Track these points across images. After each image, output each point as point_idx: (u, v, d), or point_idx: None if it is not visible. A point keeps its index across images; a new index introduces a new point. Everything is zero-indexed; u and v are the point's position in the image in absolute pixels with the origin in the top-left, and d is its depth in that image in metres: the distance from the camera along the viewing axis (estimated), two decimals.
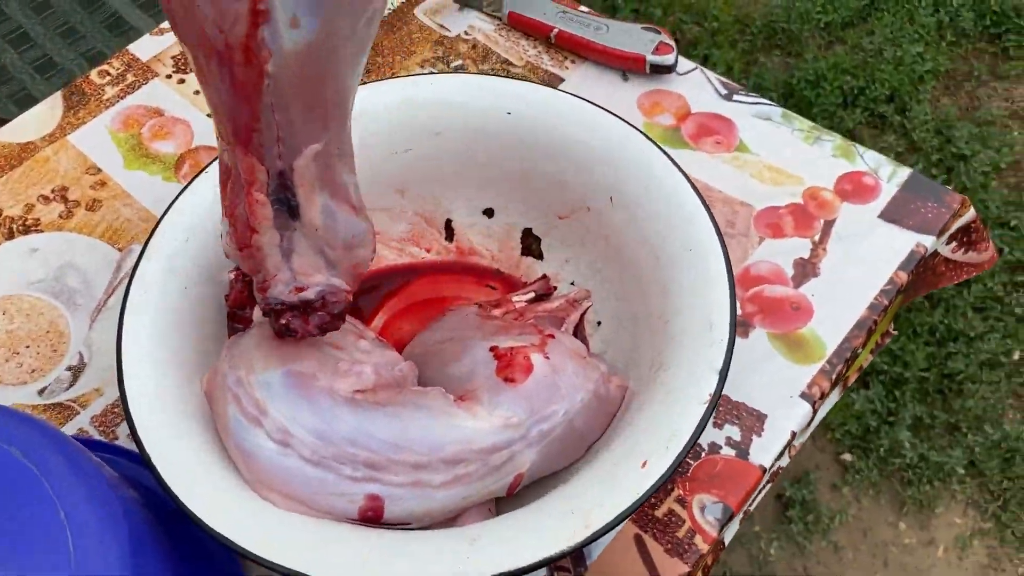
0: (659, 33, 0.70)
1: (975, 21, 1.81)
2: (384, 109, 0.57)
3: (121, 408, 0.49)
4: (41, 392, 0.57)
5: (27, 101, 1.14)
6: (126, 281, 0.59)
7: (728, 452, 0.54)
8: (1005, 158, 1.62)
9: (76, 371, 0.58)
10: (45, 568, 0.39)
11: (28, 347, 0.59)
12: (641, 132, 0.55)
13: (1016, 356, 1.46)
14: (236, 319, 0.53)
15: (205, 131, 0.69)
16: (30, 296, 0.61)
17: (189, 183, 0.54)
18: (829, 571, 1.32)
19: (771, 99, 1.69)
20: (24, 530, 0.40)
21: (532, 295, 0.56)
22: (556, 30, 0.72)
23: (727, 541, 0.57)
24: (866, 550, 1.34)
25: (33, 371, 0.58)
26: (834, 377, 0.57)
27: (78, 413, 0.56)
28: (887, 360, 1.44)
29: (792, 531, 1.34)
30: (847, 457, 1.41)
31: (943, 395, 1.43)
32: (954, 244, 0.66)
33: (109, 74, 0.72)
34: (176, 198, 0.53)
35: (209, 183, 0.53)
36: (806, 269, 0.61)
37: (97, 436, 0.55)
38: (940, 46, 1.79)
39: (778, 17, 1.83)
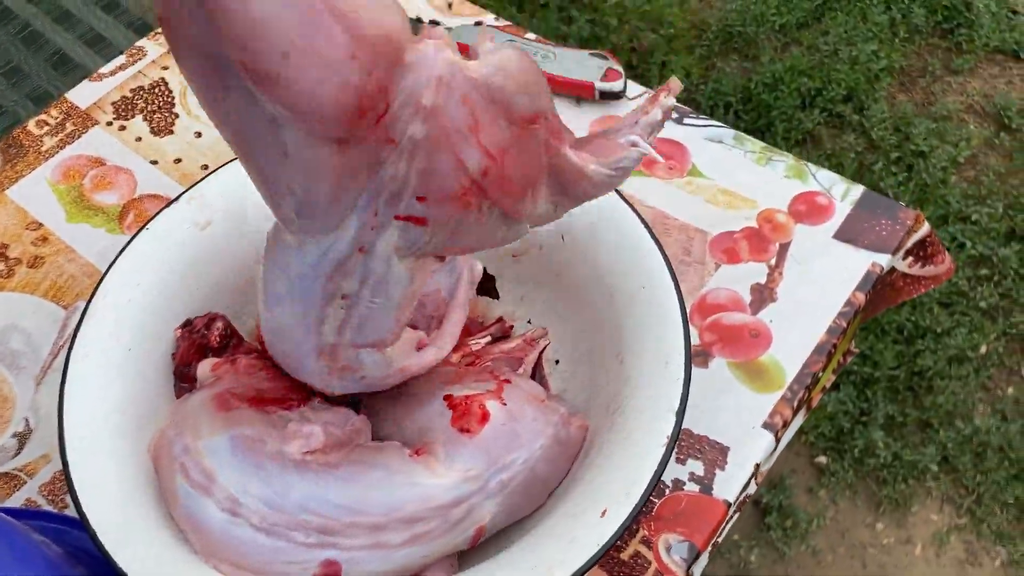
0: (607, 59, 0.69)
1: (927, 17, 1.83)
2: None
3: None
4: None
5: None
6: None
7: (692, 488, 0.53)
8: (963, 152, 1.64)
9: (22, 438, 0.56)
10: None
11: None
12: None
13: (983, 350, 1.47)
14: (183, 377, 0.52)
15: (148, 179, 0.67)
16: None
17: (129, 241, 0.52)
18: (810, 575, 1.32)
19: (729, 104, 1.70)
20: None
21: (488, 338, 0.55)
22: None
23: (697, 575, 0.57)
24: (845, 552, 1.34)
25: None
26: (796, 404, 0.56)
27: (25, 483, 0.54)
28: (857, 361, 1.45)
29: (771, 537, 1.34)
30: (822, 460, 1.41)
31: (914, 392, 1.44)
32: (911, 259, 0.66)
33: (47, 124, 0.70)
34: (117, 257, 0.52)
35: (150, 240, 0.52)
36: (763, 294, 0.60)
37: (46, 506, 0.54)
38: (894, 43, 1.80)
39: (733, 21, 1.83)
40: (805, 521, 1.35)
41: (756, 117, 1.69)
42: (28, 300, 0.61)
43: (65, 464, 0.44)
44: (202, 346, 0.51)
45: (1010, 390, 1.45)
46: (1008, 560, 1.32)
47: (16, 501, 0.53)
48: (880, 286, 0.64)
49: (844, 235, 0.62)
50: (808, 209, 0.64)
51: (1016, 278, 1.51)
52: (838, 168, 1.62)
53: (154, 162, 0.68)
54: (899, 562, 1.33)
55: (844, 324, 0.58)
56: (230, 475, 0.43)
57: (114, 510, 0.44)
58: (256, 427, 0.45)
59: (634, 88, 0.71)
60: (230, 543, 0.43)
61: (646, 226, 0.52)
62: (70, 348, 0.48)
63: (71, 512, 0.53)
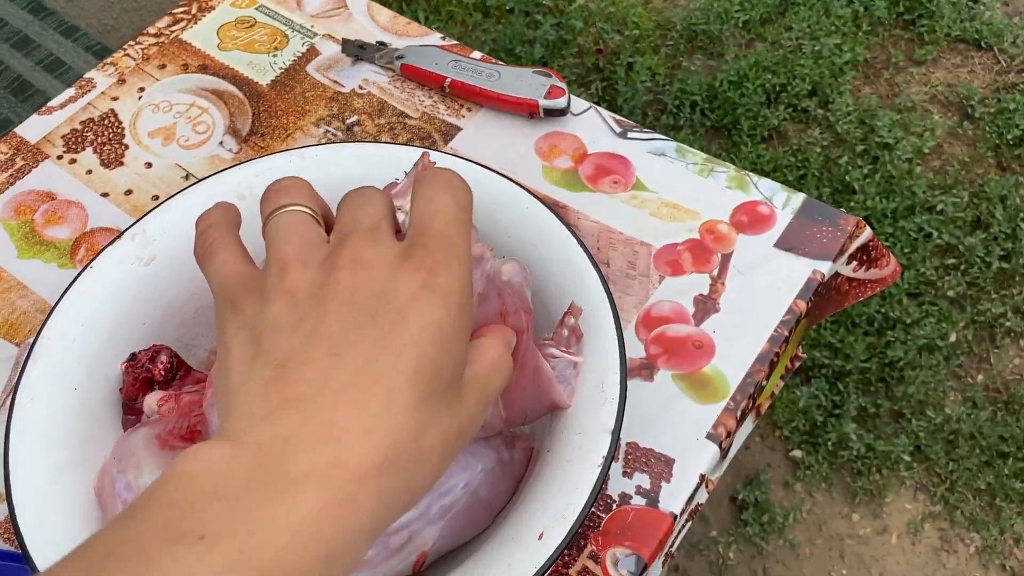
0: (550, 76, 0.70)
1: (888, 8, 1.85)
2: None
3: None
4: None
5: None
6: None
7: (639, 501, 0.54)
8: (927, 143, 1.65)
9: None
10: None
11: None
12: (527, 190, 0.55)
13: (952, 338, 1.48)
14: (129, 410, 0.52)
15: (99, 212, 0.68)
16: None
17: (72, 281, 0.53)
18: (788, 570, 1.33)
19: (695, 103, 1.71)
20: None
21: None
22: (449, 80, 0.72)
23: None
24: (822, 544, 1.36)
25: None
26: (739, 414, 0.57)
27: None
28: (828, 354, 1.46)
29: (748, 533, 1.35)
30: (797, 453, 1.42)
31: (885, 383, 1.46)
32: (855, 264, 0.67)
33: None
34: (60, 297, 0.52)
35: (93, 280, 0.53)
36: (707, 305, 0.61)
37: (2, 544, 0.54)
38: (857, 36, 1.82)
39: (698, 19, 1.84)
40: (782, 515, 1.37)
41: (723, 115, 1.70)
42: None
43: (11, 508, 0.45)
44: (147, 380, 0.52)
45: (980, 377, 1.47)
46: (982, 546, 1.34)
47: None
48: (825, 291, 0.65)
49: (785, 243, 0.63)
50: (750, 219, 0.65)
51: (982, 266, 1.53)
52: (804, 163, 1.64)
53: (105, 194, 0.69)
54: (876, 552, 1.35)
55: (786, 332, 0.60)
56: None
57: (59, 549, 0.44)
58: None
59: (578, 104, 0.72)
60: None
61: (583, 246, 0.52)
62: (14, 392, 0.49)
63: None
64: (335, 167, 0.57)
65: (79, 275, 0.53)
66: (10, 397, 0.59)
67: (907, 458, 1.39)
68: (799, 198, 0.66)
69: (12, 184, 0.70)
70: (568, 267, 0.52)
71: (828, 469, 1.41)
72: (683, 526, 0.59)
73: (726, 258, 0.63)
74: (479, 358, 0.35)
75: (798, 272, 0.62)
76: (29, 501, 0.46)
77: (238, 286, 0.34)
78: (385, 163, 0.57)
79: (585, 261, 0.52)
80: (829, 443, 1.41)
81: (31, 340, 0.61)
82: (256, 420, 0.29)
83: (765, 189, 0.66)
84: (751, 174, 0.67)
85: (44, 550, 0.44)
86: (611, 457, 0.45)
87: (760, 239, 0.64)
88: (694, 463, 0.55)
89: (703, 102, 1.71)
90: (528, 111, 0.70)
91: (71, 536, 0.45)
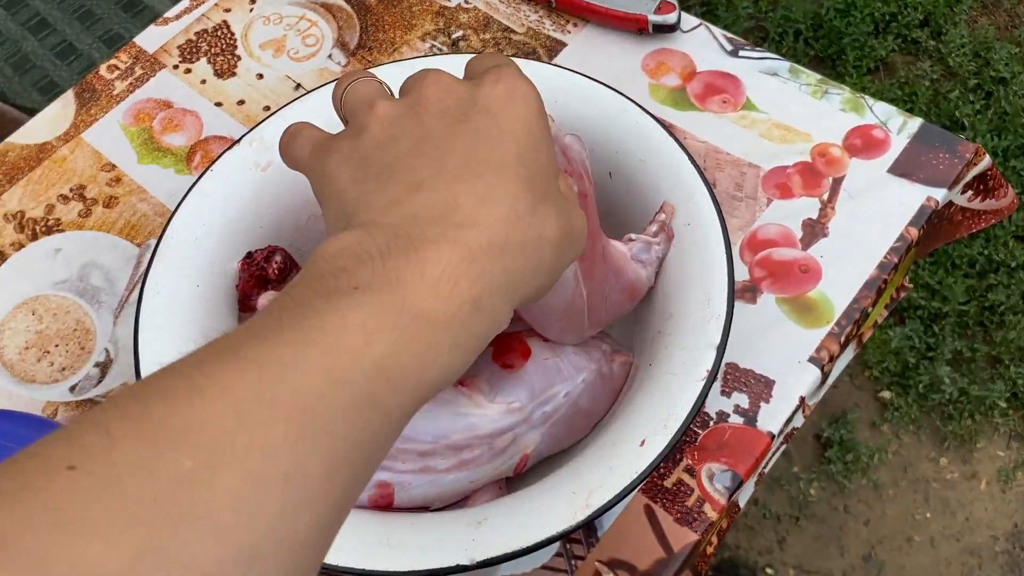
0: None
1: None
2: None
3: None
4: (72, 389, 0.59)
5: (50, 88, 1.16)
6: None
7: (736, 420, 0.54)
8: None
9: (104, 367, 0.60)
10: None
11: (58, 346, 0.61)
12: (637, 105, 0.54)
13: None
14: (245, 307, 0.54)
15: (213, 121, 0.70)
16: (56, 296, 0.63)
17: (194, 183, 0.55)
18: (869, 509, 1.32)
19: (799, 31, 1.64)
20: None
21: None
22: None
23: (742, 503, 0.58)
24: (907, 486, 1.34)
25: (64, 369, 0.60)
26: (843, 339, 0.56)
27: None
28: (925, 295, 1.42)
29: (832, 471, 1.34)
30: (886, 395, 1.40)
31: (984, 328, 1.41)
32: (970, 193, 0.65)
33: (118, 68, 0.73)
34: (183, 199, 0.54)
35: (213, 182, 0.55)
36: (815, 230, 0.60)
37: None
38: None
39: None
40: (867, 455, 1.35)
41: (827, 45, 1.64)
42: (105, 238, 0.65)
43: None
44: (261, 278, 0.54)
45: None
46: None
47: None
48: (936, 220, 0.63)
49: (899, 169, 0.61)
50: (863, 143, 0.63)
51: None
52: (912, 97, 1.57)
53: (218, 104, 0.71)
54: (963, 497, 1.32)
55: (896, 259, 0.58)
56: None
57: None
58: None
59: (688, 20, 0.70)
60: None
61: (693, 163, 0.52)
62: (142, 286, 0.51)
63: None
64: None
65: (200, 177, 0.55)
66: (130, 293, 0.62)
67: (1003, 404, 1.36)
68: (916, 123, 0.63)
69: (132, 92, 0.72)
70: (677, 183, 0.52)
71: (918, 412, 1.38)
72: (778, 448, 0.59)
73: (837, 182, 0.62)
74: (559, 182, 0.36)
75: (911, 199, 0.60)
76: None
77: (327, 139, 0.35)
78: None
79: (696, 178, 0.51)
80: (920, 385, 1.38)
81: (152, 241, 0.64)
82: (381, 209, 0.30)
83: (880, 112, 0.64)
84: (866, 97, 0.65)
85: None
86: (716, 372, 0.45)
87: (873, 164, 0.62)
88: (795, 385, 0.55)
89: (807, 31, 1.65)
90: (636, 27, 0.69)
91: None
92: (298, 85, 0.71)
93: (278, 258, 0.54)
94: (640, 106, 0.54)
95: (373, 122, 0.33)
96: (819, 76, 0.66)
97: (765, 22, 1.69)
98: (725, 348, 0.46)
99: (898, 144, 0.62)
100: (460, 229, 0.29)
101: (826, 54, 1.63)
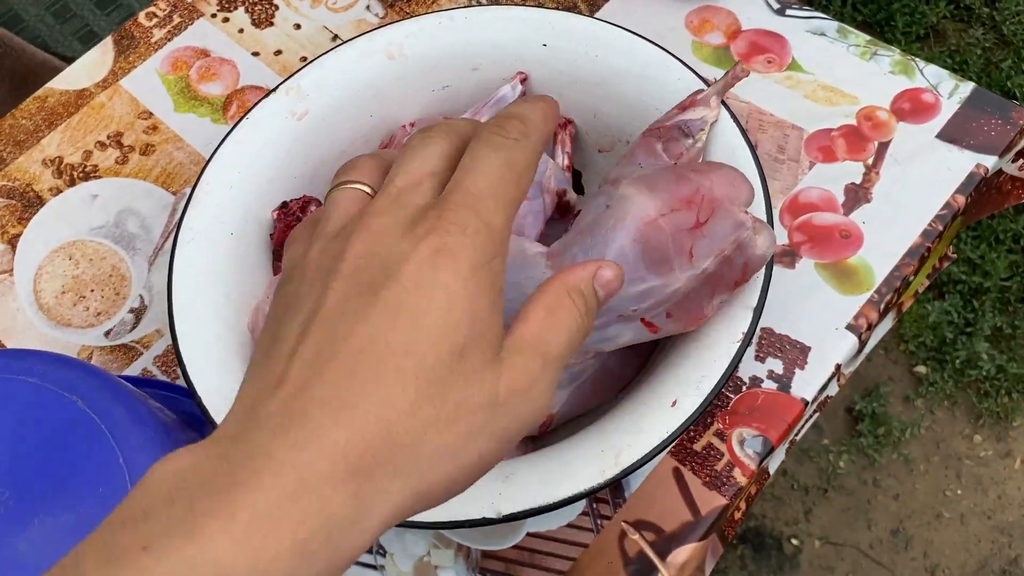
0: None
1: None
2: (421, 47, 0.57)
3: None
4: (107, 334, 0.60)
5: (90, 37, 1.17)
6: None
7: (770, 385, 0.53)
8: None
9: (138, 313, 0.61)
10: (108, 511, 0.42)
11: (93, 291, 0.62)
12: (680, 61, 0.53)
13: None
14: (279, 256, 0.54)
15: (250, 71, 0.69)
16: (93, 241, 0.63)
17: (230, 131, 0.54)
18: (899, 483, 1.31)
19: None
20: (88, 476, 0.43)
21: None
22: None
23: (772, 471, 0.58)
24: (939, 462, 1.33)
25: (99, 314, 0.61)
26: (883, 307, 0.55)
27: (141, 354, 0.59)
28: (965, 269, 1.40)
29: (862, 444, 1.33)
30: (921, 369, 1.38)
31: None
32: (1021, 161, 0.63)
33: (156, 16, 0.73)
34: (218, 147, 0.54)
35: (249, 131, 0.54)
36: (858, 195, 0.59)
37: (160, 376, 0.58)
38: None
39: None
40: (899, 430, 1.34)
41: (876, 9, 1.60)
42: (141, 186, 0.65)
43: (175, 339, 0.48)
44: None
45: None
46: None
47: (134, 370, 0.58)
48: (985, 189, 0.61)
49: (948, 135, 0.60)
50: (912, 107, 0.61)
51: None
52: (962, 65, 1.53)
53: (255, 53, 0.70)
54: (996, 475, 1.31)
55: (940, 227, 0.57)
56: None
57: (217, 379, 0.47)
58: None
59: None
60: None
61: (737, 122, 0.51)
62: (176, 232, 0.51)
63: (181, 382, 0.58)
64: (484, 31, 0.56)
65: (236, 125, 0.55)
66: (165, 241, 0.62)
67: None
68: (967, 87, 0.61)
69: (170, 40, 0.72)
70: (719, 140, 0.51)
71: (953, 387, 1.36)
72: (810, 416, 0.58)
73: (883, 146, 0.60)
74: (527, 317, 0.30)
75: (960, 165, 0.58)
76: (190, 331, 0.49)
77: (297, 255, 0.31)
78: (537, 29, 0.56)
79: (738, 138, 0.50)
80: (957, 361, 1.36)
81: (187, 190, 0.64)
82: (242, 405, 0.27)
83: (931, 76, 0.62)
84: (917, 59, 0.63)
85: (203, 378, 0.47)
86: (751, 334, 0.45)
87: (922, 128, 0.60)
88: (831, 352, 0.54)
89: None
90: None
91: (226, 366, 0.48)
92: (335, 36, 0.70)
93: (313, 207, 0.54)
94: (683, 62, 0.53)
95: (296, 273, 0.30)
96: (868, 37, 0.64)
97: None
98: (762, 311, 0.45)
99: (948, 109, 0.60)
100: (297, 451, 0.24)
101: (874, 19, 1.59)
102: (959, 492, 1.30)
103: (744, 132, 0.50)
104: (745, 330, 0.45)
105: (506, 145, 0.30)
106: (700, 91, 0.51)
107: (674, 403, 0.43)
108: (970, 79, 1.50)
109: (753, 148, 0.49)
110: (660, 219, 0.40)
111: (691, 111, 0.49)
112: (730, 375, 0.44)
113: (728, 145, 0.50)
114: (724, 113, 0.51)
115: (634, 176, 0.43)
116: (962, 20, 1.60)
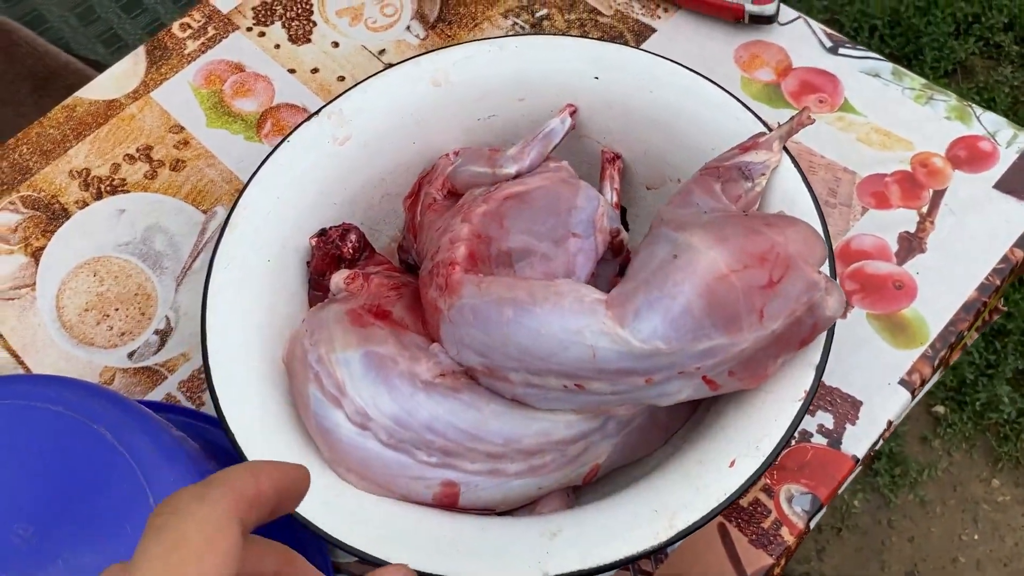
0: None
1: None
2: (468, 75, 0.55)
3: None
4: (131, 355, 0.58)
5: (114, 40, 1.15)
6: (210, 245, 0.60)
7: (820, 440, 0.51)
8: None
9: (163, 335, 0.59)
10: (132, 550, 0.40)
11: (118, 309, 0.60)
12: (738, 100, 0.51)
13: None
14: (317, 285, 0.53)
15: (285, 88, 0.68)
16: (119, 258, 0.61)
17: (270, 154, 0.53)
18: (914, 525, 1.29)
19: (875, 27, 1.59)
20: (113, 513, 0.41)
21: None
22: None
23: (812, 526, 0.56)
24: (955, 505, 1.30)
25: (123, 334, 0.59)
26: (936, 363, 0.53)
27: (166, 378, 0.57)
28: None
29: (878, 483, 1.31)
30: (940, 409, 1.36)
31: None
32: None
33: (190, 27, 0.71)
34: (258, 169, 0.52)
35: (289, 154, 0.52)
36: (912, 244, 0.57)
37: (185, 402, 0.56)
38: None
39: None
40: (915, 470, 1.31)
41: (904, 43, 1.58)
42: (170, 202, 0.63)
43: (207, 369, 0.46)
44: (335, 256, 0.52)
45: None
46: None
47: (157, 395, 0.56)
48: None
49: (1007, 185, 0.58)
50: (969, 155, 0.59)
51: None
52: (989, 103, 1.51)
53: (292, 71, 0.69)
54: (1013, 521, 1.28)
55: (998, 281, 0.55)
56: (361, 389, 0.44)
57: (249, 411, 0.46)
58: (389, 346, 0.45)
59: (787, 12, 0.66)
60: (357, 454, 0.44)
61: (795, 163, 0.49)
62: (212, 257, 0.49)
63: (206, 410, 0.56)
64: (536, 62, 0.55)
65: (276, 148, 0.53)
66: (194, 261, 0.60)
67: None
68: None
69: (203, 52, 0.70)
70: (778, 185, 0.49)
71: (972, 429, 1.34)
72: (855, 471, 0.56)
73: (938, 195, 0.58)
74: None
75: (1018, 217, 0.57)
76: (223, 361, 0.47)
77: None
78: (592, 61, 0.54)
79: (799, 183, 0.48)
80: (977, 403, 1.34)
81: (218, 209, 0.62)
82: None
83: (989, 123, 0.60)
84: (975, 106, 0.61)
85: (234, 408, 0.45)
86: (813, 393, 0.43)
87: (979, 178, 0.58)
88: (883, 408, 0.52)
89: (883, 27, 1.59)
90: (732, 16, 0.65)
91: (259, 398, 0.46)
92: (381, 51, 0.68)
93: (353, 237, 0.52)
94: (744, 104, 0.51)
95: None
96: (924, 81, 0.63)
97: (840, 16, 1.63)
98: (824, 369, 0.43)
99: (1007, 158, 0.59)
100: None
101: (902, 52, 1.58)
102: (975, 537, 1.28)
103: (806, 180, 0.48)
104: (808, 388, 0.43)
105: None
106: (762, 134, 0.49)
107: (732, 463, 0.41)
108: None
109: (816, 197, 0.48)
110: (732, 275, 0.38)
111: (752, 153, 0.48)
112: (791, 435, 0.42)
113: (787, 192, 0.48)
114: (785, 158, 0.49)
115: (701, 223, 0.41)
116: (991, 57, 1.59)
